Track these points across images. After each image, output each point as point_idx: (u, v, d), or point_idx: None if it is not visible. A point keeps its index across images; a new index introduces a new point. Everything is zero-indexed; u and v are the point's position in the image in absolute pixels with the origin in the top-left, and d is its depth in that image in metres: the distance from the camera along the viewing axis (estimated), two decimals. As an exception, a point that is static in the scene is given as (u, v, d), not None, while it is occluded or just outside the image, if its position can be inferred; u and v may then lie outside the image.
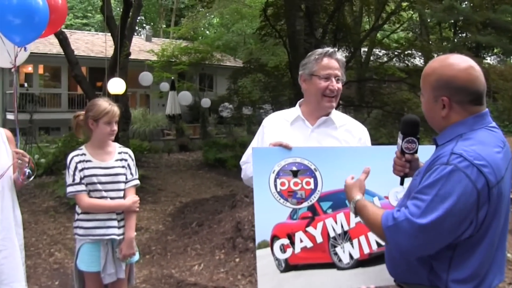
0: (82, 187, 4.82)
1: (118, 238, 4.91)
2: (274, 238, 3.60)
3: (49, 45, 29.52)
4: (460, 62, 2.81)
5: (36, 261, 9.21)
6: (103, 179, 4.87)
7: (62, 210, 12.99)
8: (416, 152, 3.12)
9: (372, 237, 3.62)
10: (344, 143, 3.92)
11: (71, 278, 5.62)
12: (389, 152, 3.31)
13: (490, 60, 37.87)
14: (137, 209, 5.05)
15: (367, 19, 27.45)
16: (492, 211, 2.65)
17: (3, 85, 30.96)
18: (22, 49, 5.56)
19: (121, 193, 4.96)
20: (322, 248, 3.61)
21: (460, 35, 33.23)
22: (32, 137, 22.11)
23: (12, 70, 5.67)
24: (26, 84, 31.89)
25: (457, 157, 2.60)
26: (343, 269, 3.61)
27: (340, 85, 3.96)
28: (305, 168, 3.64)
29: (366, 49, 26.23)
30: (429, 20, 29.49)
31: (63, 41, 15.91)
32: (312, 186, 3.63)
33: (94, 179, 4.84)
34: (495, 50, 37.85)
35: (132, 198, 4.98)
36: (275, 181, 3.61)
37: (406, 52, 22.56)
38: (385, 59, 23.75)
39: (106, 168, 4.91)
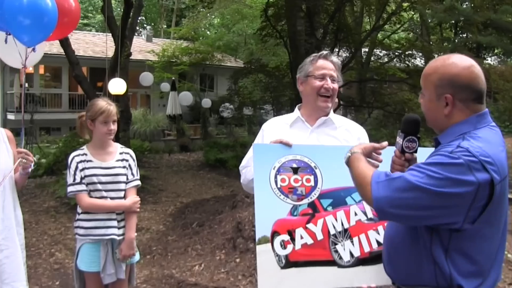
0: (83, 187, 4.83)
1: (118, 238, 4.92)
2: (275, 234, 3.59)
3: (49, 45, 29.48)
4: (462, 61, 2.84)
5: (37, 261, 9.21)
6: (104, 179, 4.88)
7: (62, 210, 12.99)
8: (416, 151, 3.12)
9: (372, 235, 3.62)
10: (344, 142, 3.92)
11: (71, 278, 5.63)
12: (387, 152, 3.31)
13: (490, 60, 37.85)
14: (138, 209, 5.06)
15: (368, 20, 27.43)
16: (493, 208, 2.65)
17: (4, 85, 30.95)
18: (32, 51, 5.58)
19: (121, 193, 4.97)
20: (323, 245, 3.60)
21: (460, 35, 33.27)
22: (32, 137, 22.11)
23: (21, 70, 5.71)
24: (27, 84, 31.88)
25: (463, 151, 2.60)
26: (344, 267, 3.59)
27: (335, 86, 3.98)
28: (305, 166, 3.64)
29: (367, 50, 26.26)
30: (429, 21, 29.52)
31: (64, 41, 15.89)
32: (312, 183, 3.64)
33: (95, 179, 4.84)
34: (496, 51, 37.84)
35: (132, 199, 4.99)
36: (275, 177, 3.61)
37: (407, 53, 22.57)
38: (386, 59, 23.76)
39: (107, 168, 4.92)
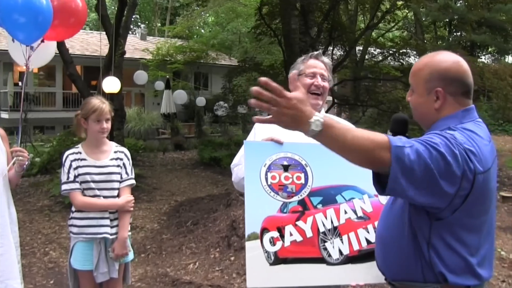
0: (76, 185, 4.84)
1: (110, 237, 4.92)
2: (264, 230, 3.59)
3: (43, 44, 29.46)
4: (450, 56, 2.90)
5: (31, 260, 9.20)
6: (97, 177, 4.88)
7: (57, 209, 12.98)
8: None
9: (362, 234, 3.63)
10: None
11: (66, 277, 5.63)
12: None
13: (484, 59, 37.92)
14: (131, 208, 5.05)
15: (362, 18, 27.48)
16: (474, 198, 2.66)
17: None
18: (33, 50, 5.60)
19: (115, 192, 4.98)
20: (312, 243, 3.61)
21: (455, 34, 33.33)
22: (26, 136, 22.05)
23: (24, 69, 5.75)
24: (20, 83, 31.81)
25: (450, 134, 2.64)
26: (332, 265, 3.60)
27: (326, 84, 4.02)
28: (296, 163, 3.65)
29: (361, 48, 26.26)
30: (424, 19, 29.52)
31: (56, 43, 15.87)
32: (302, 181, 3.64)
33: (88, 178, 4.85)
34: (490, 49, 37.92)
35: (125, 198, 4.99)
36: (266, 174, 3.61)
37: (401, 51, 22.61)
38: (380, 58, 23.82)
39: (100, 167, 4.92)
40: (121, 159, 5.05)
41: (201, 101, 29.30)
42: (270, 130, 4.02)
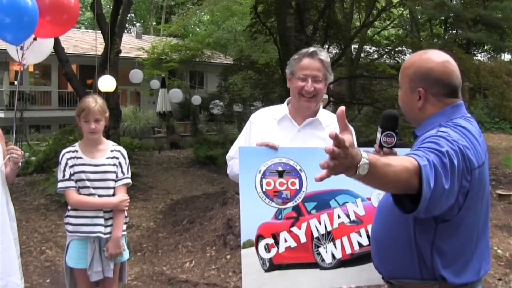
0: (72, 183, 4.85)
1: (104, 236, 4.92)
2: (259, 237, 3.63)
3: (39, 42, 29.39)
4: (438, 56, 2.92)
5: (28, 259, 9.19)
6: (92, 176, 4.89)
7: (53, 208, 12.96)
8: (395, 146, 3.14)
9: (354, 237, 3.66)
10: (330, 144, 3.90)
11: (62, 276, 5.62)
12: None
13: (480, 56, 37.98)
14: (126, 208, 5.05)
15: (358, 16, 27.50)
16: (473, 194, 2.69)
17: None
18: (27, 49, 5.59)
19: (110, 191, 4.97)
20: (306, 248, 3.64)
21: (450, 31, 33.31)
22: (22, 135, 22.01)
23: (20, 68, 5.76)
24: (16, 82, 31.74)
25: (445, 132, 2.67)
26: (325, 269, 3.64)
27: (319, 86, 3.94)
28: (290, 169, 3.65)
29: (356, 46, 26.26)
30: (419, 17, 29.54)
31: (54, 39, 15.84)
32: (297, 186, 3.65)
33: (83, 176, 4.86)
34: (486, 47, 37.93)
35: (120, 197, 4.98)
36: (261, 181, 3.63)
37: (396, 49, 22.65)
38: (376, 56, 23.86)
39: (96, 166, 4.92)
40: (117, 158, 5.05)
41: (196, 99, 29.29)
42: (266, 129, 4.02)
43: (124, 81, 25.14)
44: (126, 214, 5.12)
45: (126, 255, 5.19)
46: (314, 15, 19.51)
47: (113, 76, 14.41)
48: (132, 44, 36.99)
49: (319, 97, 3.99)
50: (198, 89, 34.66)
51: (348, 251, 3.64)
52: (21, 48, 5.56)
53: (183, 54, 31.34)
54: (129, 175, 5.15)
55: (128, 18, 24.02)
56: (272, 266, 3.62)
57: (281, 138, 3.90)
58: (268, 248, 3.61)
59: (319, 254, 3.63)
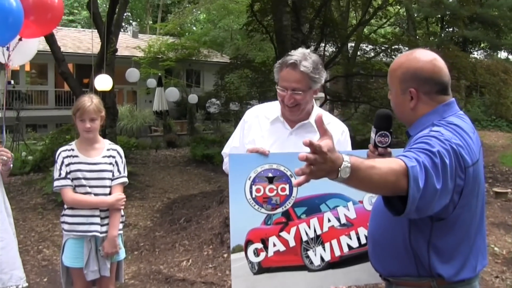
0: (68, 182, 4.87)
1: (100, 235, 4.94)
2: (248, 242, 3.66)
3: (35, 42, 29.37)
4: (425, 55, 2.93)
5: (25, 258, 9.16)
6: (88, 174, 4.90)
7: (50, 207, 12.95)
8: (389, 145, 3.15)
9: (344, 240, 3.68)
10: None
11: (59, 275, 5.62)
12: (364, 156, 3.32)
13: (477, 54, 38.07)
14: (122, 207, 5.06)
15: (354, 14, 27.45)
16: (467, 192, 2.69)
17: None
18: (12, 50, 5.59)
19: (106, 190, 4.99)
20: (295, 252, 3.67)
21: (447, 29, 33.40)
22: (19, 134, 22.00)
23: (6, 68, 5.75)
24: (12, 82, 31.68)
25: (438, 131, 2.67)
26: (313, 271, 3.67)
27: (299, 97, 3.82)
28: (281, 175, 3.65)
29: (353, 44, 26.28)
30: (416, 15, 29.65)
31: (50, 38, 15.81)
32: (287, 192, 3.65)
33: (79, 174, 4.87)
34: (482, 45, 38.03)
35: (116, 196, 5.00)
36: (250, 187, 3.63)
37: (393, 47, 22.59)
38: (372, 54, 23.82)
39: (92, 164, 4.94)
40: (113, 157, 5.05)
41: (193, 98, 29.26)
42: (259, 129, 4.02)
43: (120, 80, 25.15)
44: (122, 213, 5.13)
45: (122, 254, 5.20)
46: (311, 13, 19.49)
47: (109, 75, 14.38)
48: (129, 43, 37.05)
49: (302, 106, 3.91)
50: (194, 88, 34.57)
51: (337, 253, 3.67)
52: (7, 49, 5.56)
53: (179, 53, 31.38)
54: (126, 174, 5.15)
55: (124, 17, 24.04)
56: (261, 269, 3.66)
57: (273, 142, 3.92)
58: (257, 253, 3.65)
59: (307, 257, 3.66)
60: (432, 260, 2.77)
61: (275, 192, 3.63)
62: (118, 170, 5.06)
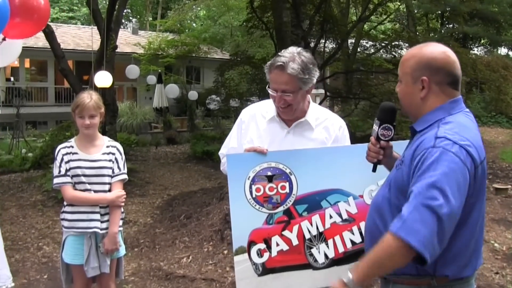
0: (67, 179, 4.86)
1: (100, 232, 4.93)
2: (251, 243, 3.66)
3: (35, 39, 29.27)
4: (439, 47, 2.92)
5: (25, 255, 9.18)
6: (88, 171, 4.89)
7: (50, 204, 12.94)
8: (391, 139, 3.15)
9: (347, 236, 3.68)
10: (319, 145, 3.87)
11: (59, 272, 5.62)
12: (363, 151, 3.34)
13: (477, 50, 38.05)
14: (122, 203, 5.05)
15: (354, 10, 27.47)
16: (476, 191, 2.70)
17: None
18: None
19: (106, 187, 4.99)
20: (298, 250, 3.66)
21: (447, 26, 33.41)
22: (19, 131, 21.99)
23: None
24: (12, 78, 31.70)
25: (443, 140, 2.63)
26: (318, 269, 3.67)
27: (289, 98, 3.72)
28: (280, 173, 3.65)
29: (353, 41, 26.30)
30: (416, 11, 29.62)
31: (49, 35, 15.82)
32: (287, 190, 3.65)
33: (79, 171, 4.87)
34: (482, 41, 38.04)
35: (116, 192, 4.99)
36: (250, 187, 3.63)
37: (393, 43, 22.60)
38: (372, 50, 23.85)
39: (92, 161, 4.93)
40: (113, 154, 5.05)
41: (193, 95, 29.26)
42: (257, 128, 4.00)
43: (120, 76, 25.17)
44: (122, 209, 5.13)
45: (122, 250, 5.20)
46: (311, 9, 19.49)
47: (109, 71, 14.39)
48: (129, 40, 37.04)
49: (294, 107, 3.82)
50: (194, 85, 34.58)
51: (341, 249, 3.67)
52: None
53: (179, 50, 31.34)
54: (125, 170, 5.15)
55: (124, 13, 23.98)
56: (265, 270, 3.65)
57: (270, 139, 3.89)
58: (260, 253, 3.64)
59: (311, 255, 3.66)
60: (437, 261, 2.74)
61: (275, 190, 3.63)
62: (118, 167, 5.06)
